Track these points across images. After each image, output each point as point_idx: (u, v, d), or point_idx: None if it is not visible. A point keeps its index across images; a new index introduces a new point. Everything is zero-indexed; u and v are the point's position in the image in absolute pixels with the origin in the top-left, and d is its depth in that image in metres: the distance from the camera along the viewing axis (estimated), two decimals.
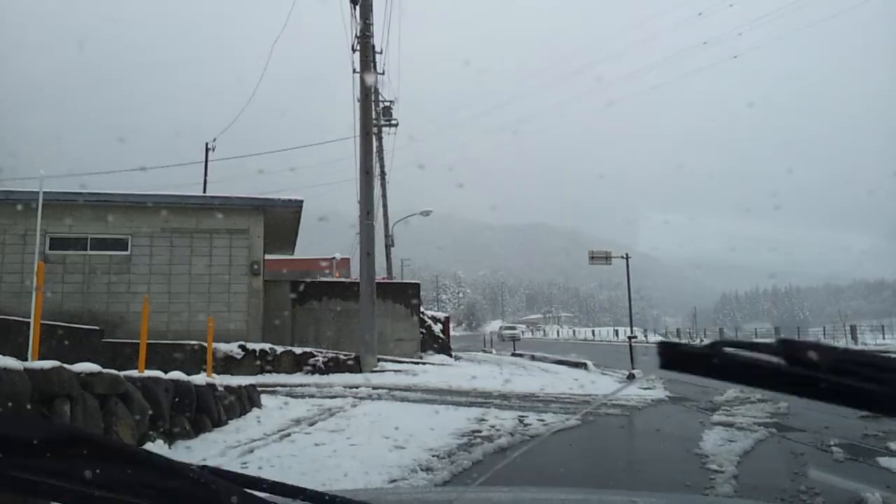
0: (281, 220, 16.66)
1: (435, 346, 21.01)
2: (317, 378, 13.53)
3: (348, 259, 39.81)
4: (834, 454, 6.48)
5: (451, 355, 21.53)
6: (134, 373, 6.81)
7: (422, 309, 22.06)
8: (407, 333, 20.05)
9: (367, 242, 15.52)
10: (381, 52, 31.96)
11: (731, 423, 8.34)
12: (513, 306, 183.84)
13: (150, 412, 6.38)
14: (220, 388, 8.13)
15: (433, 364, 16.87)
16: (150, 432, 6.42)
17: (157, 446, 6.20)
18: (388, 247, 32.07)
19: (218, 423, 7.65)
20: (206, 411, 7.43)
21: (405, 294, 20.30)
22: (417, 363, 16.27)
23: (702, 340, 46.35)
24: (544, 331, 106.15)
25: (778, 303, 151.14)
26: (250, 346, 14.69)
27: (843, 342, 30.83)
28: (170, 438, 6.63)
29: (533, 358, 25.36)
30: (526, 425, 7.88)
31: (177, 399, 6.93)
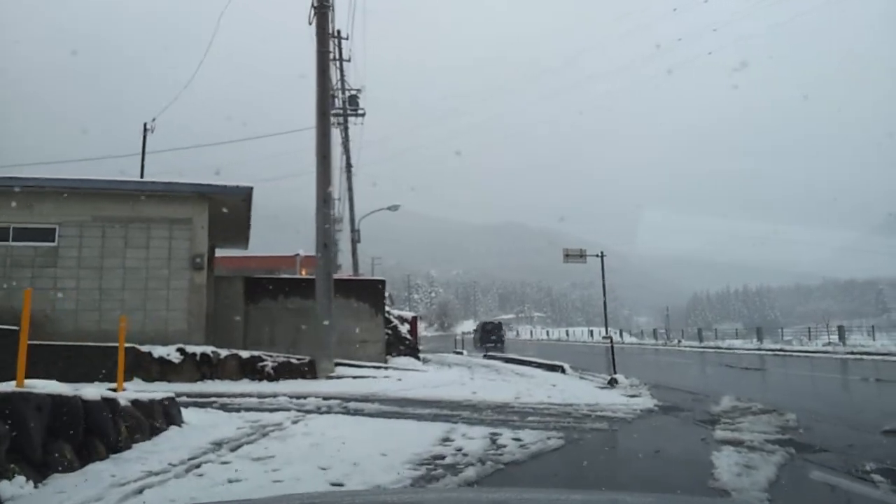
0: (229, 209, 15.11)
1: (402, 347, 19.60)
2: (264, 386, 12.05)
3: (313, 257, 38.17)
4: (878, 484, 5.22)
5: (419, 358, 20.13)
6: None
7: (388, 308, 20.62)
8: (371, 335, 18.61)
9: (324, 233, 14.06)
10: (346, 38, 30.53)
11: (740, 440, 7.05)
12: (486, 306, 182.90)
13: (13, 437, 4.91)
14: (125, 404, 6.63)
15: (398, 369, 15.45)
16: (11, 465, 4.93)
17: (14, 484, 4.71)
18: (354, 242, 30.57)
19: (116, 449, 6.15)
20: (99, 434, 5.93)
21: (370, 292, 18.86)
22: (380, 368, 14.84)
23: (679, 342, 45.58)
24: (517, 331, 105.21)
25: (749, 302, 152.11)
26: (191, 349, 13.14)
27: (824, 340, 29.97)
28: (40, 472, 5.13)
29: (507, 360, 24.08)
30: (499, 447, 6.51)
31: (56, 420, 5.44)
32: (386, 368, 14.95)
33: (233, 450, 6.16)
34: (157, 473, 5.29)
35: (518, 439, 6.92)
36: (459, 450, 6.29)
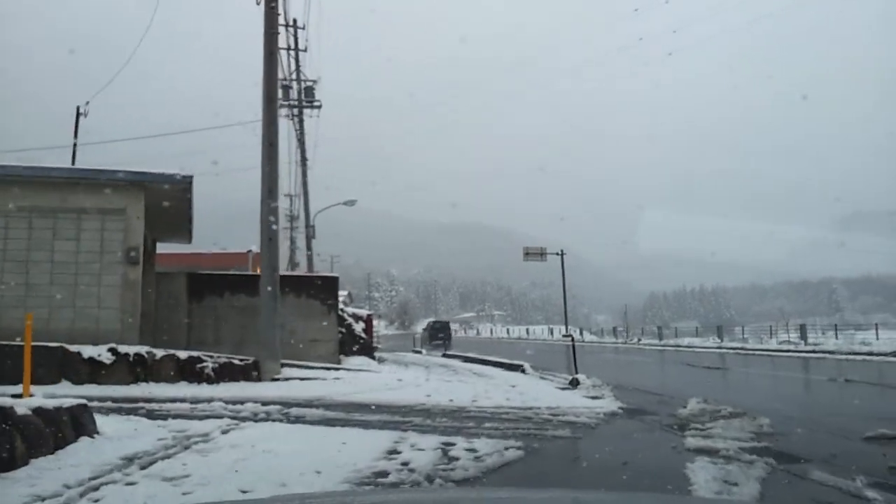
0: (168, 200, 14.13)
1: (356, 347, 18.79)
2: (203, 389, 11.14)
3: (258, 253, 37.01)
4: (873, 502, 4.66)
5: (374, 358, 19.34)
6: None
7: (342, 306, 19.79)
8: (323, 334, 17.76)
9: (269, 226, 13.19)
10: (303, 28, 29.53)
11: (714, 449, 6.48)
12: (446, 305, 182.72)
13: None
14: (25, 412, 5.76)
15: (350, 370, 14.66)
16: None
17: None
18: (309, 238, 29.61)
19: (10, 465, 5.28)
20: None
21: (322, 289, 18.00)
22: (330, 369, 14.02)
23: (639, 340, 45.53)
24: (477, 329, 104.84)
25: (705, 301, 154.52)
26: (124, 349, 12.14)
27: (783, 339, 30.01)
28: None
29: (466, 360, 23.44)
30: (451, 460, 5.81)
31: None
32: (337, 369, 14.14)
33: (144, 467, 5.34)
34: (44, 499, 4.46)
35: (473, 450, 6.22)
36: (406, 464, 5.57)
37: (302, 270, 31.76)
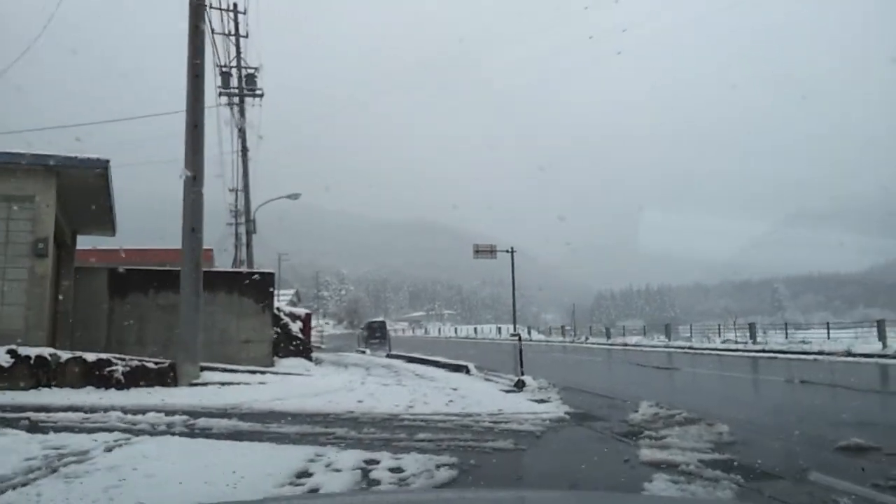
0: (84, 187, 12.89)
1: (292, 347, 17.71)
2: (108, 396, 9.99)
3: (211, 251, 35.62)
4: None
5: (311, 359, 18.27)
6: None
7: (277, 304, 18.67)
8: (256, 333, 16.65)
9: (193, 215, 12.07)
10: (244, 13, 28.20)
11: (672, 463, 5.74)
12: (396, 303, 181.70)
13: None
14: None
15: (279, 373, 13.62)
16: None
17: None
18: (249, 234, 28.28)
19: None
20: None
21: (255, 286, 16.86)
22: (256, 372, 12.95)
23: (586, 338, 45.38)
24: (426, 328, 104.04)
25: (651, 300, 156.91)
26: (25, 351, 10.90)
27: (730, 338, 29.94)
28: None
29: (410, 360, 22.55)
30: (371, 483, 4.92)
31: None
32: (264, 373, 13.07)
33: None
34: None
35: (398, 469, 5.35)
36: (316, 490, 4.66)
37: (246, 268, 30.43)
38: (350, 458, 5.71)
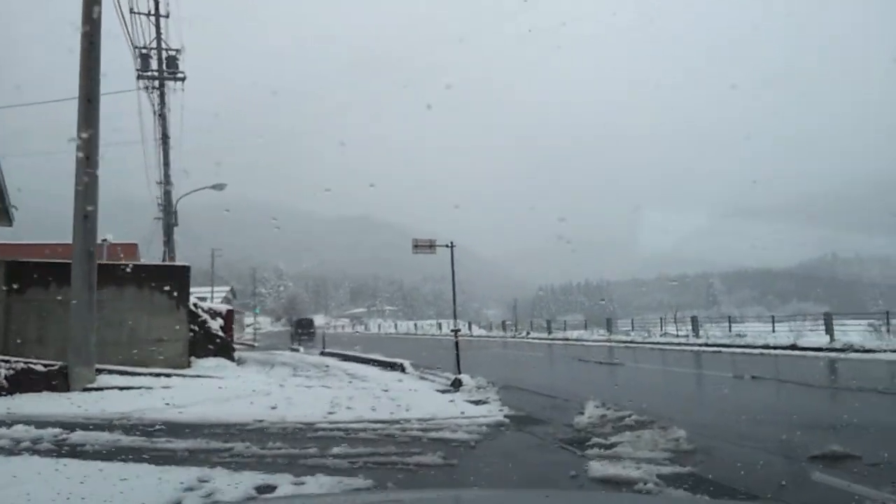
0: None
1: (211, 347, 16.34)
2: None
3: (136, 245, 33.65)
4: None
5: (232, 359, 16.94)
6: None
7: (194, 300, 17.27)
8: (170, 332, 15.24)
9: (86, 199, 10.69)
10: None
11: (627, 479, 4.88)
12: (337, 300, 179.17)
13: None
14: None
15: (189, 376, 12.34)
16: None
17: None
18: (169, 226, 26.53)
19: None
20: None
21: (168, 280, 15.44)
22: (161, 375, 11.65)
23: (528, 333, 44.89)
24: (365, 325, 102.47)
25: (590, 295, 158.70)
26: None
27: (671, 331, 29.71)
28: None
29: (344, 358, 21.42)
30: None
31: None
32: (170, 376, 11.75)
33: None
34: None
35: (299, 494, 4.32)
36: None
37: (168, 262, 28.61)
38: (241, 483, 4.65)
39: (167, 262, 20.27)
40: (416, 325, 74.61)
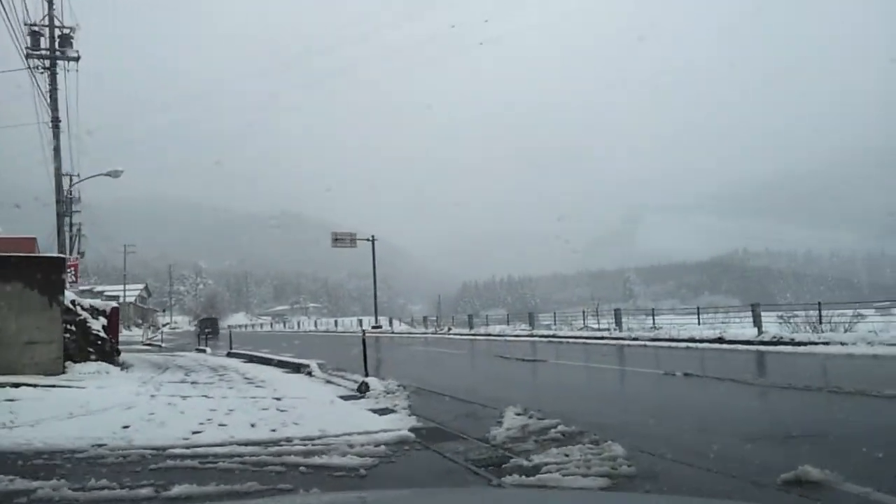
0: None
1: (91, 349, 14.46)
2: None
3: (34, 240, 30.93)
4: None
5: (116, 362, 15.08)
6: None
7: (72, 297, 15.31)
8: (42, 333, 13.30)
9: None
10: None
11: None
12: (259, 297, 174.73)
13: None
14: None
15: (41, 385, 10.51)
16: None
17: None
18: (60, 215, 24.16)
19: None
20: None
21: (39, 274, 13.49)
22: (6, 385, 9.83)
23: (449, 329, 43.90)
24: (284, 322, 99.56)
25: (513, 290, 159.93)
26: None
27: (593, 325, 29.21)
28: None
29: (249, 359, 19.75)
30: None
31: None
32: (18, 386, 9.93)
33: None
34: None
35: None
36: None
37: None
38: None
39: (40, 255, 18.13)
40: (336, 321, 72.50)
